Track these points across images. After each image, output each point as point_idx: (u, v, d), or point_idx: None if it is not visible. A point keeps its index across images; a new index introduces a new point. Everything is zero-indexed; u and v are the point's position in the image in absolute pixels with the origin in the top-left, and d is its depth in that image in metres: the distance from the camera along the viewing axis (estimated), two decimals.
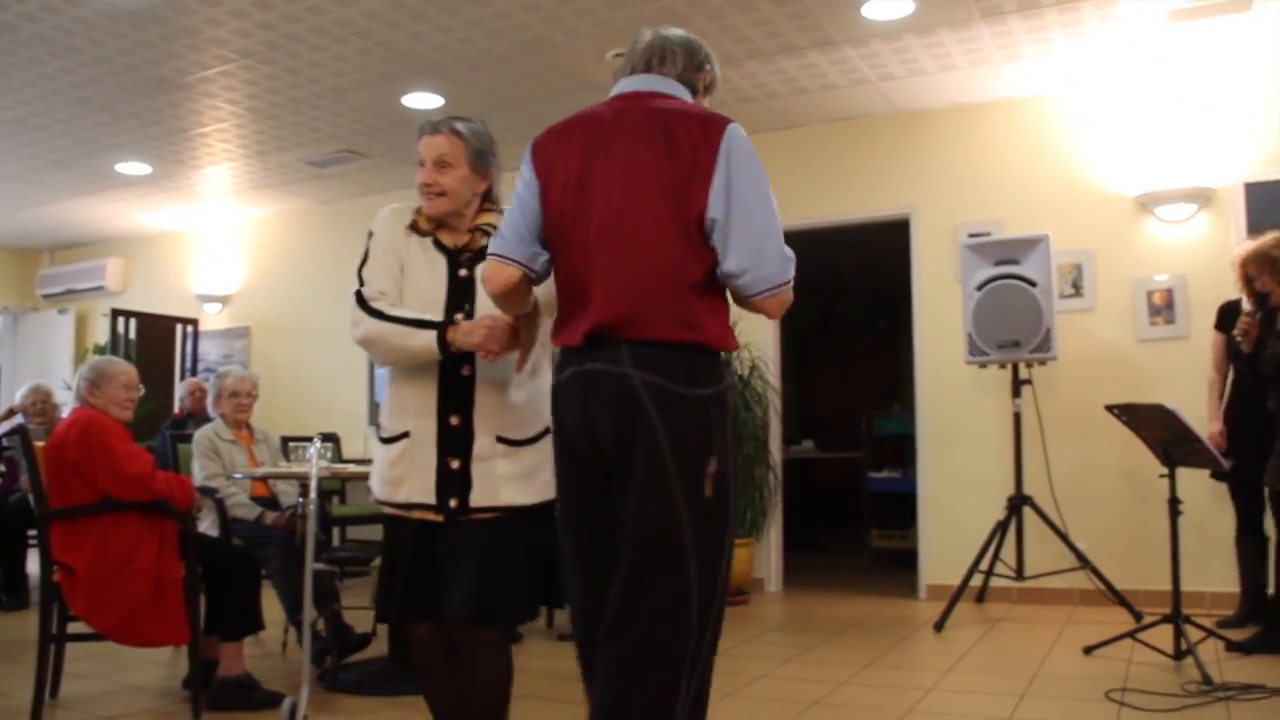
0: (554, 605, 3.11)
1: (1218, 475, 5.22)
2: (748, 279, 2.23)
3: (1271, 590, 5.09)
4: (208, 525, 4.76)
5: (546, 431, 2.82)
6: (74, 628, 3.93)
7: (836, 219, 7.10)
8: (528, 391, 2.82)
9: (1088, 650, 4.88)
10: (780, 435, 7.31)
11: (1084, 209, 6.45)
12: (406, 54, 5.95)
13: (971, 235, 6.45)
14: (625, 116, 2.35)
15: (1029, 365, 5.98)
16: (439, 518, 2.71)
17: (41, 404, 7.09)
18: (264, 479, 5.05)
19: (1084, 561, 5.76)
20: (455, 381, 2.73)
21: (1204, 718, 3.76)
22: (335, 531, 6.99)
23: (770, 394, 7.00)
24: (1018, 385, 5.99)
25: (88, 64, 6.01)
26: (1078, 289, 6.44)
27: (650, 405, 2.19)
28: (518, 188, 2.46)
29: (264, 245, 9.76)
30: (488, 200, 2.89)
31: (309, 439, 4.33)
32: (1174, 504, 4.58)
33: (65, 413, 4.47)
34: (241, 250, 9.90)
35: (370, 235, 2.85)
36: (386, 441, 2.80)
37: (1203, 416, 4.99)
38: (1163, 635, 4.67)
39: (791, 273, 2.29)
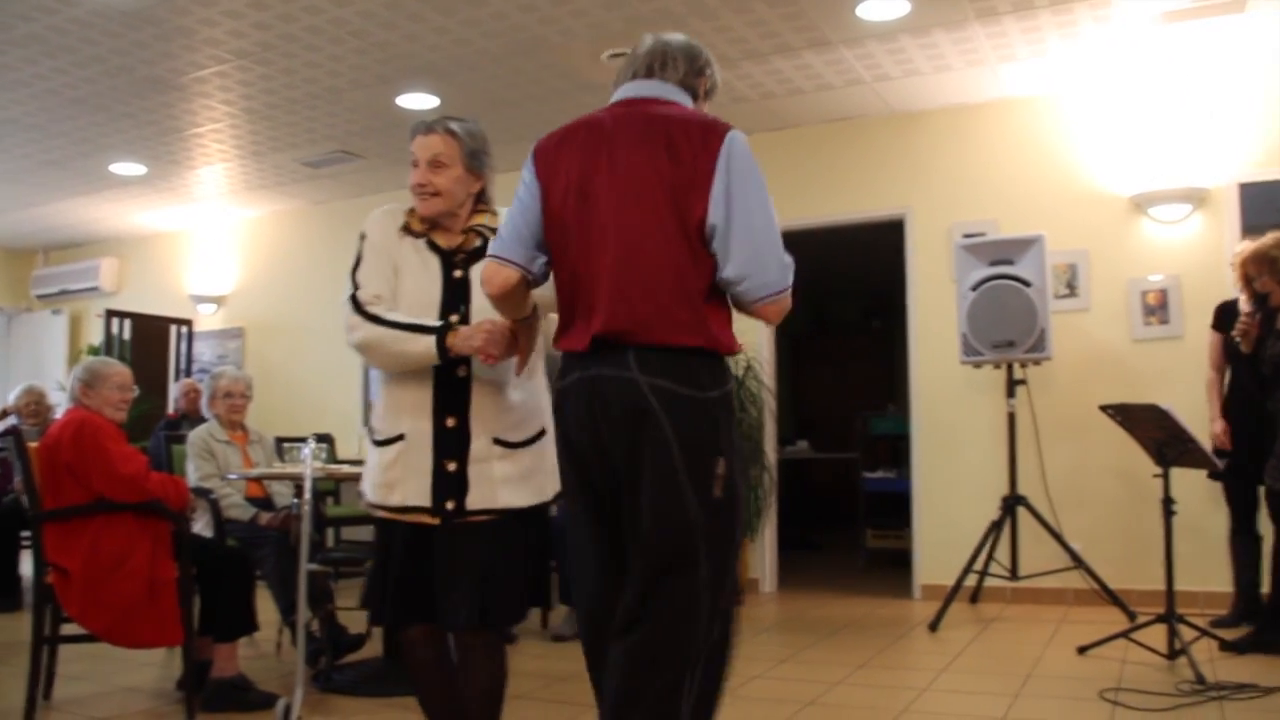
0: (545, 606, 3.10)
1: (1215, 475, 5.22)
2: (747, 286, 2.26)
3: (1266, 589, 5.09)
4: (202, 526, 4.75)
5: (542, 433, 2.82)
6: (67, 629, 3.92)
7: (831, 219, 7.10)
8: (524, 393, 2.81)
9: (1082, 650, 4.88)
10: (775, 436, 7.32)
11: (1079, 209, 6.46)
12: (402, 54, 5.94)
13: (966, 235, 6.45)
14: (626, 123, 2.37)
15: (1024, 365, 5.99)
16: (435, 521, 2.68)
17: (35, 405, 7.08)
18: (258, 480, 5.04)
19: (1078, 561, 5.77)
20: (452, 383, 2.70)
21: (1197, 717, 3.77)
22: (329, 532, 6.98)
23: (765, 394, 7.01)
24: (1012, 385, 6.00)
25: (82, 64, 6.01)
26: (1072, 289, 6.45)
27: (659, 409, 2.22)
28: (519, 191, 2.47)
29: (259, 246, 9.75)
30: (481, 201, 2.86)
31: (303, 440, 4.33)
32: (1168, 504, 4.59)
33: (59, 414, 4.46)
34: (236, 251, 9.89)
35: (362, 237, 2.81)
36: (380, 444, 2.76)
37: (1198, 417, 4.99)
38: (1156, 635, 4.68)
39: (790, 280, 2.31)
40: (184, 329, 9.96)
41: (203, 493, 4.81)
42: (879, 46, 5.89)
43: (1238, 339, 5.01)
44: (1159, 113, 6.30)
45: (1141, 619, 4.92)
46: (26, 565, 5.63)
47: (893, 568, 7.72)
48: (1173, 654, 4.54)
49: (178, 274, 10.18)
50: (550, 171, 2.41)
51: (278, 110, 6.87)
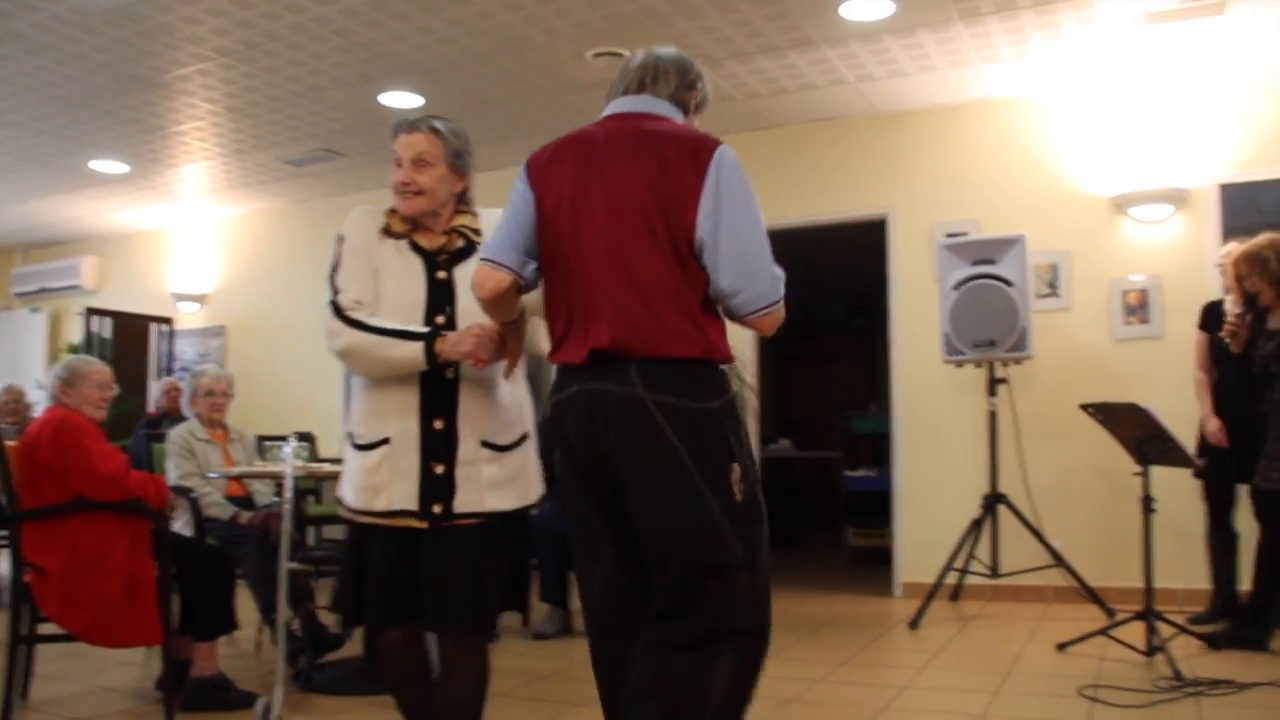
0: (524, 611, 3.09)
1: (1200, 474, 5.26)
2: (740, 300, 2.30)
3: (1247, 587, 5.12)
4: (182, 525, 4.74)
5: (525, 436, 2.82)
6: (45, 629, 3.89)
7: (814, 219, 7.12)
8: (510, 395, 2.80)
9: (1061, 647, 4.91)
10: (757, 434, 7.33)
11: (1060, 209, 6.49)
12: (386, 53, 5.93)
13: (949, 235, 6.47)
14: (618, 138, 2.39)
15: (1005, 364, 6.01)
16: (422, 524, 2.65)
17: (14, 403, 7.04)
18: (239, 478, 5.03)
19: (1058, 559, 5.79)
20: (439, 384, 2.67)
21: (1174, 713, 3.79)
22: (310, 531, 6.96)
23: (748, 393, 7.02)
24: (994, 384, 6.02)
25: (64, 61, 5.97)
26: (1054, 289, 6.48)
27: (668, 425, 2.24)
28: (512, 198, 2.48)
29: (241, 244, 9.71)
30: (462, 202, 2.83)
31: (284, 438, 4.32)
32: (1147, 502, 4.62)
33: (38, 412, 4.44)
34: (218, 249, 9.85)
35: (340, 239, 2.76)
36: (363, 448, 2.72)
37: (1178, 416, 4.99)
38: (1135, 632, 4.71)
39: (781, 291, 2.34)
40: (165, 327, 9.92)
41: (183, 491, 4.80)
42: (863, 46, 5.91)
43: (1227, 340, 5.03)
44: (1140, 114, 6.34)
45: (1120, 616, 4.95)
46: (4, 564, 5.58)
47: (874, 566, 7.75)
48: (1151, 651, 4.57)
49: (159, 272, 10.13)
50: (543, 184, 2.43)
51: (260, 108, 6.84)
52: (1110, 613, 5.47)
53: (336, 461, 3.41)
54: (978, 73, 6.29)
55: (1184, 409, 5.48)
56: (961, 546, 5.89)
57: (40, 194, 8.94)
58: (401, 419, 2.67)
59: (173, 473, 4.98)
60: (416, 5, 5.33)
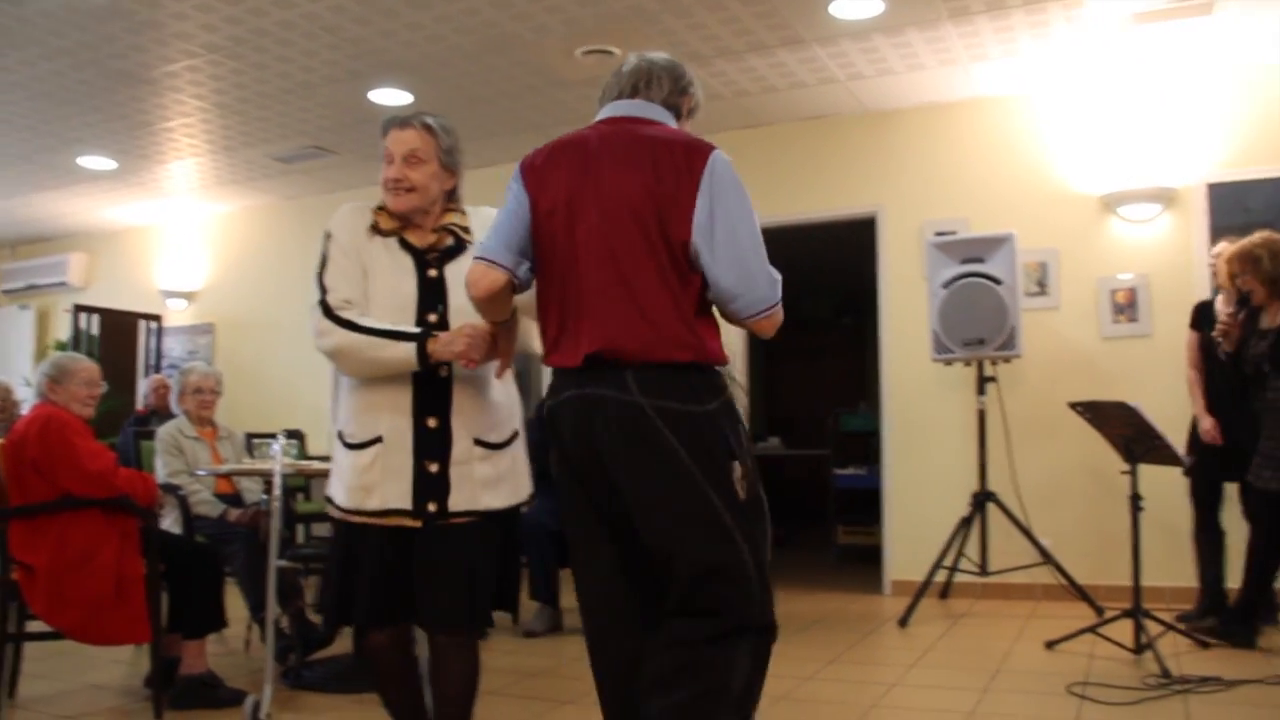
0: (514, 610, 3.09)
1: (1189, 472, 5.28)
2: (740, 305, 2.33)
3: (1233, 584, 5.14)
4: (170, 522, 4.72)
5: (516, 435, 2.82)
6: (33, 626, 3.89)
7: (804, 217, 7.12)
8: (501, 394, 2.80)
9: (1050, 645, 4.92)
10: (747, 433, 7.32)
11: (1049, 208, 6.51)
12: (375, 50, 5.92)
13: (938, 234, 6.49)
14: (612, 142, 2.40)
15: (994, 363, 6.03)
16: (416, 523, 2.63)
17: (1, 401, 6.99)
18: (228, 476, 5.01)
19: (1047, 557, 5.81)
20: (432, 382, 2.66)
21: (1162, 710, 3.80)
22: (299, 529, 6.95)
23: (739, 393, 7.01)
24: (982, 383, 6.04)
25: (50, 56, 5.94)
26: (1042, 287, 6.50)
27: (667, 430, 2.26)
28: (507, 199, 2.48)
29: (230, 241, 9.68)
30: (451, 199, 2.83)
31: (273, 436, 4.31)
32: (1135, 500, 4.64)
33: (25, 410, 4.42)
34: (207, 246, 9.81)
35: (328, 236, 2.74)
36: (354, 447, 2.69)
37: (1166, 414, 5.01)
38: (1123, 630, 4.72)
39: (779, 294, 2.36)
40: (153, 324, 9.89)
41: (171, 489, 4.78)
42: (852, 45, 5.91)
43: (1219, 339, 5.05)
44: (1129, 113, 6.35)
45: (1109, 614, 4.97)
46: None
47: (863, 564, 7.75)
48: (1139, 648, 4.58)
49: (147, 269, 10.09)
50: (538, 186, 2.44)
51: (249, 105, 6.82)
52: (1099, 610, 5.49)
53: (325, 459, 3.41)
54: (967, 72, 6.30)
55: (1172, 407, 5.51)
56: (950, 544, 5.90)
57: (27, 190, 8.89)
58: (394, 417, 2.65)
59: (161, 470, 4.96)
60: (406, 2, 5.31)
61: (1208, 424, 5.24)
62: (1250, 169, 6.05)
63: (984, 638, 5.29)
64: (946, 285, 5.97)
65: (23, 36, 5.65)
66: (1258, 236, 4.89)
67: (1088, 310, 6.40)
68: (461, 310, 2.63)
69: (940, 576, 6.05)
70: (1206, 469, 5.29)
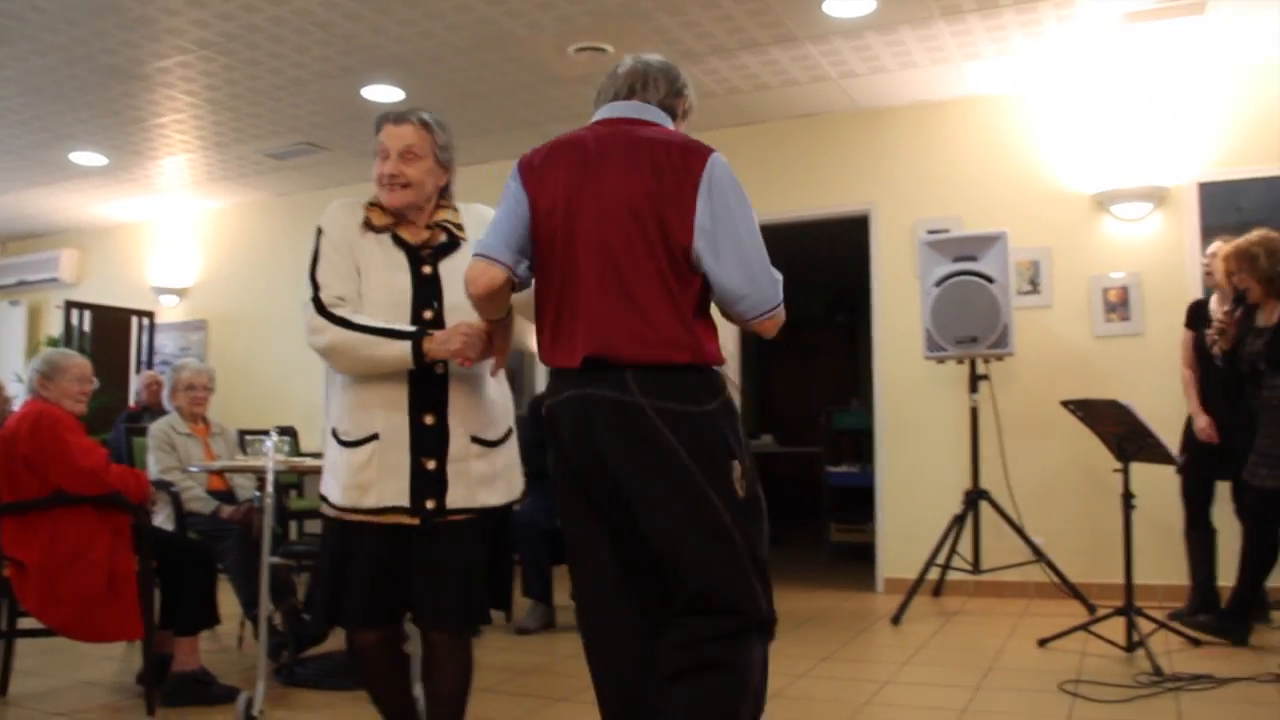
0: (508, 608, 3.08)
1: (1183, 470, 5.30)
2: (745, 306, 2.35)
3: (1225, 582, 5.15)
4: (163, 519, 4.71)
5: (510, 433, 2.82)
6: (24, 623, 3.88)
7: (797, 215, 7.13)
8: (496, 391, 2.80)
9: (1042, 642, 4.93)
10: None
11: (1041, 207, 6.52)
12: (367, 46, 5.91)
13: (930, 232, 6.49)
14: (609, 144, 2.41)
15: (986, 361, 6.04)
16: (413, 521, 2.62)
17: None
18: (220, 472, 5.00)
19: (1039, 555, 5.82)
20: (429, 379, 2.64)
21: (1154, 708, 3.81)
22: (292, 525, 6.94)
23: (733, 392, 7.02)
24: (975, 381, 6.05)
25: (42, 52, 5.92)
26: (1035, 286, 6.51)
27: (667, 430, 2.27)
28: (506, 198, 2.48)
29: (222, 238, 9.66)
30: (444, 196, 2.81)
31: (266, 432, 4.30)
32: (1127, 498, 4.65)
33: (17, 406, 4.41)
34: (199, 243, 9.79)
35: (320, 232, 2.72)
36: (350, 445, 2.67)
37: (1159, 413, 5.01)
38: (1115, 628, 4.74)
39: (782, 293, 2.39)
40: (146, 321, 9.87)
41: (164, 485, 4.77)
42: (845, 43, 5.92)
43: (1214, 338, 5.06)
44: (1121, 112, 6.37)
45: (1101, 612, 4.98)
46: None
47: (856, 561, 7.76)
48: (1131, 646, 4.59)
49: (139, 265, 10.07)
50: (537, 186, 2.44)
51: (241, 101, 6.81)
52: (1091, 608, 5.50)
53: (318, 456, 3.40)
54: (959, 70, 6.31)
55: (1164, 406, 5.52)
56: (943, 542, 5.92)
57: (18, 186, 8.86)
58: (390, 414, 2.64)
59: (153, 467, 4.95)
60: None
61: (1203, 422, 5.25)
62: (1241, 168, 6.07)
63: (976, 635, 5.30)
64: (939, 283, 5.98)
65: (15, 31, 5.63)
66: (1255, 235, 4.90)
67: (1080, 309, 6.41)
68: (456, 307, 2.63)
69: (933, 574, 6.06)
70: (1199, 467, 5.30)
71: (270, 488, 3.86)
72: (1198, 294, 5.84)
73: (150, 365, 9.53)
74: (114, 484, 3.87)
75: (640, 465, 2.30)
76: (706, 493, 2.28)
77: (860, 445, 8.76)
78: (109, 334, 9.55)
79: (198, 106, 6.91)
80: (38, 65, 6.13)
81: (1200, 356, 5.36)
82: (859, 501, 7.90)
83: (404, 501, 2.61)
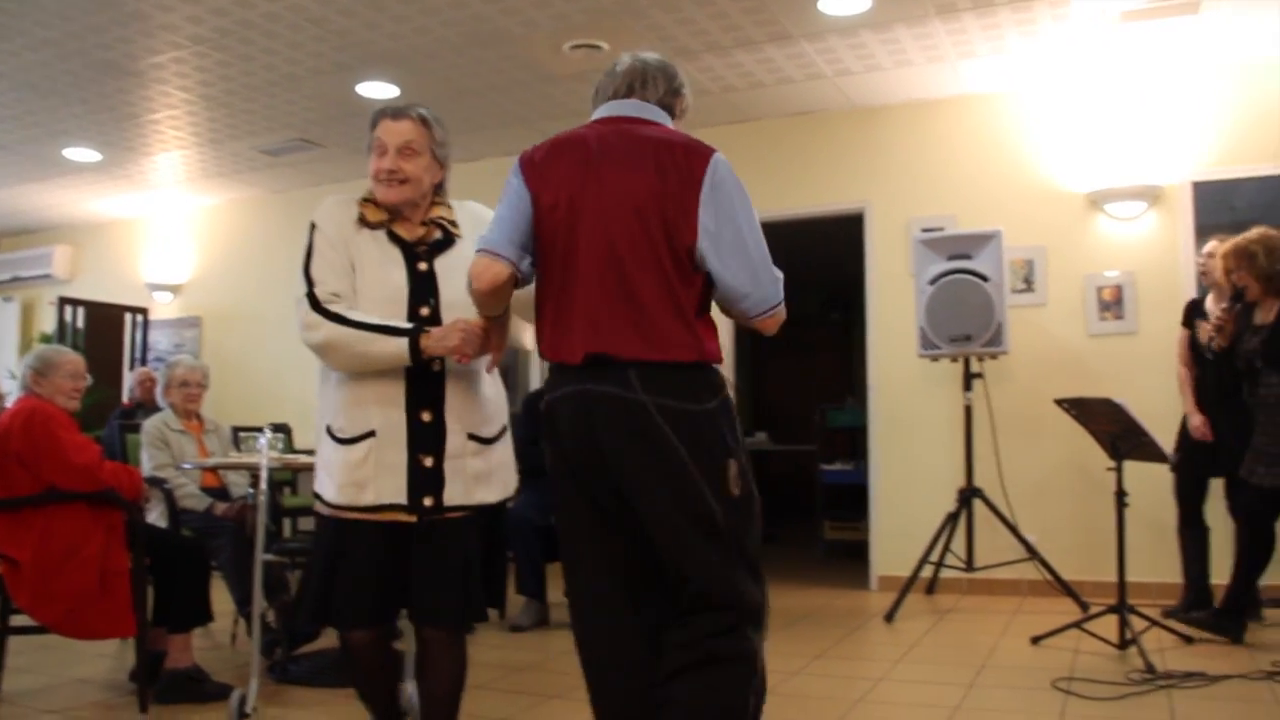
0: (502, 606, 3.08)
1: (1177, 468, 5.32)
2: (748, 304, 2.37)
3: (1218, 580, 5.16)
4: (156, 516, 4.70)
5: (505, 430, 2.81)
6: (17, 620, 3.87)
7: (792, 213, 7.12)
8: (491, 388, 2.79)
9: (1035, 640, 4.94)
10: None
11: (1036, 205, 6.53)
12: (362, 42, 5.90)
13: (925, 230, 6.50)
14: (612, 143, 2.42)
15: (980, 359, 6.05)
16: (411, 518, 2.61)
17: None
18: (214, 469, 4.99)
19: (1032, 553, 5.83)
20: (426, 376, 2.63)
21: (1146, 705, 3.82)
22: (286, 522, 6.94)
23: (729, 390, 7.01)
24: (969, 379, 6.05)
25: (34, 47, 5.91)
26: (1029, 284, 6.52)
27: (668, 427, 2.29)
28: (508, 194, 2.47)
29: (216, 234, 9.65)
30: (438, 193, 2.80)
31: (260, 429, 4.29)
32: (1120, 496, 4.66)
33: (10, 402, 4.40)
34: (193, 239, 9.77)
35: (313, 227, 2.69)
36: (346, 442, 2.64)
37: (1152, 411, 5.02)
38: (1108, 625, 4.75)
39: (782, 293, 2.41)
40: (139, 317, 9.85)
41: (157, 482, 4.76)
42: (840, 41, 5.92)
43: (1212, 335, 5.07)
44: (1115, 111, 6.37)
45: (1094, 610, 4.99)
46: None
47: (850, 559, 7.77)
48: (1124, 644, 4.60)
49: (133, 262, 10.05)
50: (540, 182, 2.43)
51: (235, 97, 6.79)
52: (1084, 606, 5.51)
53: (312, 453, 3.40)
54: (954, 68, 6.31)
55: (1158, 404, 5.53)
56: (937, 540, 5.92)
57: (11, 182, 8.84)
58: (386, 410, 2.62)
59: (147, 464, 4.94)
60: None
61: (1197, 420, 5.27)
62: (1235, 167, 6.08)
63: (970, 633, 5.31)
64: (933, 282, 5.98)
65: (8, 27, 5.62)
66: (1254, 233, 4.91)
67: (1074, 307, 6.42)
68: (453, 304, 2.62)
69: (926, 572, 6.07)
70: (1192, 466, 5.32)
71: (264, 485, 3.86)
72: (1192, 293, 5.86)
73: (144, 362, 9.51)
74: (107, 481, 3.87)
75: (640, 462, 2.31)
76: (703, 492, 2.29)
77: (854, 443, 8.75)
78: (102, 330, 9.53)
79: (192, 102, 6.90)
80: (31, 60, 6.11)
81: (1196, 355, 5.37)
82: (853, 499, 7.91)
83: (401, 499, 2.60)
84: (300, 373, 8.62)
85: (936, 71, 6.37)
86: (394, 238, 2.71)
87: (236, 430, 6.20)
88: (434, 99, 6.52)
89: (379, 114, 2.74)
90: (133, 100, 6.83)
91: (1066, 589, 5.76)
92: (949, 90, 6.69)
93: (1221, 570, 5.07)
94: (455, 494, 2.63)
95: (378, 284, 2.65)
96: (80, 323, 9.43)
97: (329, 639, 4.78)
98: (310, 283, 2.62)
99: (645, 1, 5.33)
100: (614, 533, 2.41)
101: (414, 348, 2.54)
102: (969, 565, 6.04)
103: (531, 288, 2.51)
